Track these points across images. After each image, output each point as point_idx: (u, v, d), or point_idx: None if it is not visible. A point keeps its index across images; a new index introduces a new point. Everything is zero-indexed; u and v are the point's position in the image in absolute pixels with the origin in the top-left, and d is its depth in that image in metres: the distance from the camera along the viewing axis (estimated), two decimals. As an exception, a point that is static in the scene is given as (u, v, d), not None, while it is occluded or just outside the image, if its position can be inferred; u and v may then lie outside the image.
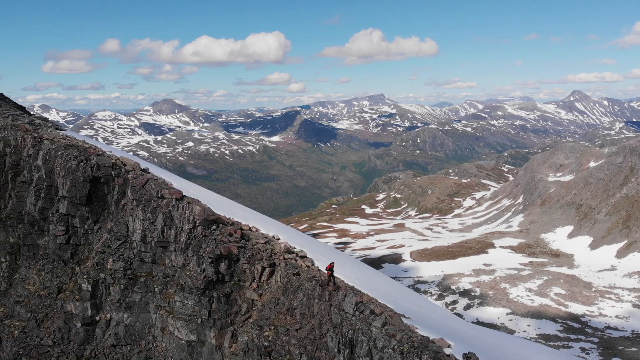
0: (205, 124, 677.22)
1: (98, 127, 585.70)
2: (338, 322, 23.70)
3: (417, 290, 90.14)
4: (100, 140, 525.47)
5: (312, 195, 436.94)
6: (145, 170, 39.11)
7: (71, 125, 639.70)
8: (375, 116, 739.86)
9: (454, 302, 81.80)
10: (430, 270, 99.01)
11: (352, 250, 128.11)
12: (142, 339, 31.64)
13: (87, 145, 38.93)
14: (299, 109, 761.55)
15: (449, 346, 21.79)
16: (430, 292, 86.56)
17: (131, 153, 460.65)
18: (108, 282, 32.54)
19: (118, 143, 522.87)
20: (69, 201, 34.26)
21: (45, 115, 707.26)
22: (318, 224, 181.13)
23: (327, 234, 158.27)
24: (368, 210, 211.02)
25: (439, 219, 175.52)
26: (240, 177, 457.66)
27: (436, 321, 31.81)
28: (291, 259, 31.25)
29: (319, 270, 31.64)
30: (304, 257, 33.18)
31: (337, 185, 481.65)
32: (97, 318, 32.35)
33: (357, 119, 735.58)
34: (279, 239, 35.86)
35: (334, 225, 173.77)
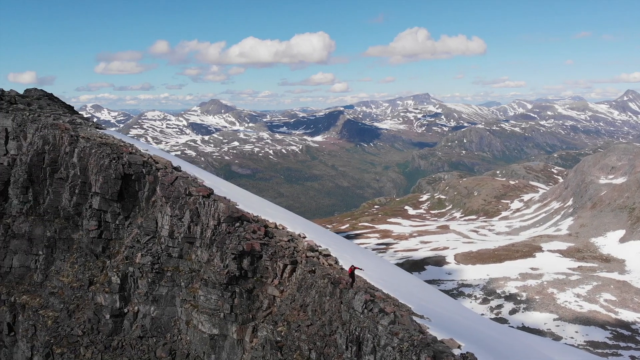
0: (250, 124, 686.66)
1: (147, 126, 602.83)
2: (347, 320, 23.90)
3: (461, 293, 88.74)
4: (150, 139, 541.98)
5: (355, 195, 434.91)
6: (177, 169, 40.31)
7: (122, 125, 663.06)
8: (419, 116, 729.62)
9: (499, 306, 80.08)
10: (475, 273, 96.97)
11: (394, 251, 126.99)
12: (168, 332, 32.44)
13: (120, 144, 40.30)
14: (342, 108, 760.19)
15: (459, 347, 21.51)
16: (475, 296, 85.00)
17: (179, 152, 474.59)
18: (136, 275, 33.47)
19: (167, 142, 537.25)
20: (101, 197, 35.65)
21: (97, 114, 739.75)
22: (360, 224, 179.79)
23: (368, 235, 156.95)
24: (411, 211, 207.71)
25: (485, 221, 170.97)
26: (284, 177, 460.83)
27: (458, 323, 31.33)
28: (313, 257, 31.42)
29: (342, 269, 31.64)
30: (327, 255, 33.41)
31: (379, 186, 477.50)
32: (125, 310, 33.36)
33: (401, 119, 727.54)
34: (304, 237, 36.05)
35: (376, 226, 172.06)
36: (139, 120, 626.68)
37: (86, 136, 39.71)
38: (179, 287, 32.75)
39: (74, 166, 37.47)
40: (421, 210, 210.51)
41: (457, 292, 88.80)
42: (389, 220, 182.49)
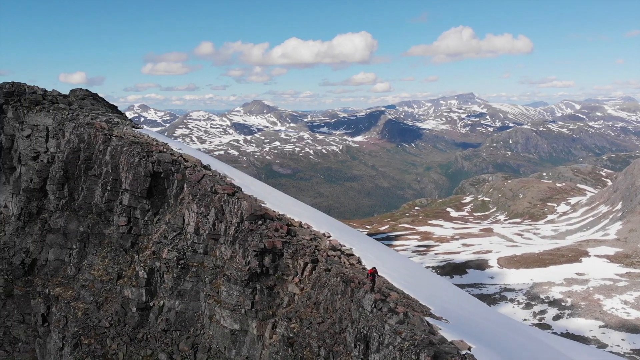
0: (292, 124, 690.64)
1: (192, 126, 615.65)
2: (356, 318, 23.92)
3: (503, 298, 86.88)
4: (195, 139, 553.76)
5: (395, 196, 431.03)
6: (206, 167, 41.06)
7: (168, 125, 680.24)
8: (463, 116, 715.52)
9: (543, 312, 78.44)
10: (518, 277, 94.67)
11: (435, 253, 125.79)
12: (192, 326, 33.02)
13: (150, 143, 41.27)
14: (383, 108, 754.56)
15: (469, 349, 21.18)
16: (517, 301, 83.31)
17: (222, 152, 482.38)
18: (163, 270, 34.17)
19: (210, 142, 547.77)
20: (130, 194, 36.62)
21: (144, 114, 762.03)
22: (400, 225, 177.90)
23: (408, 236, 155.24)
24: (453, 213, 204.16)
25: (530, 225, 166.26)
26: (324, 177, 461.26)
27: (480, 326, 30.81)
28: (334, 256, 31.44)
29: (364, 268, 31.49)
30: (350, 255, 33.50)
31: (420, 187, 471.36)
32: (151, 304, 34.16)
33: (444, 119, 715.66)
34: (329, 237, 36.14)
35: (417, 228, 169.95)
36: (185, 120, 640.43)
37: (119, 135, 40.87)
38: (203, 283, 33.28)
39: (106, 164, 38.63)
40: (464, 213, 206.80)
41: (499, 297, 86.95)
42: (430, 222, 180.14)
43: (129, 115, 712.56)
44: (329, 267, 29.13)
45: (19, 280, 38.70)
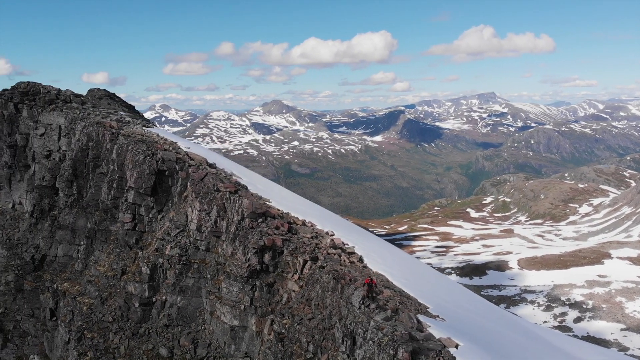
0: (310, 124, 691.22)
1: (212, 126, 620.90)
2: (345, 314, 24.10)
3: (523, 300, 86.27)
4: (215, 138, 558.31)
5: (414, 196, 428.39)
6: (212, 165, 41.53)
7: (188, 124, 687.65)
8: (484, 115, 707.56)
9: (563, 314, 77.69)
10: (539, 279, 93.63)
11: (454, 254, 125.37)
12: (193, 322, 33.42)
13: (156, 141, 41.86)
14: (402, 108, 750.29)
15: (455, 346, 21.17)
16: (538, 303, 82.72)
17: (242, 151, 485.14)
18: (165, 266, 34.59)
19: (230, 142, 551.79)
20: (135, 191, 37.29)
21: (165, 114, 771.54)
22: (419, 225, 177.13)
23: (427, 237, 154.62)
24: (473, 214, 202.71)
25: (551, 226, 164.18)
26: (342, 176, 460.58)
27: (478, 325, 30.65)
28: (334, 254, 31.54)
29: (365, 267, 31.90)
30: (351, 253, 33.59)
31: (440, 187, 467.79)
32: (154, 299, 34.61)
33: (464, 118, 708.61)
34: (332, 235, 36.29)
35: (436, 228, 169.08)
36: (205, 120, 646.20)
37: (127, 133, 41.59)
38: (205, 279, 33.66)
39: (113, 162, 39.33)
40: (484, 213, 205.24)
41: (519, 298, 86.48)
42: (449, 222, 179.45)
43: (151, 115, 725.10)
44: (324, 264, 29.34)
45: (28, 276, 39.57)
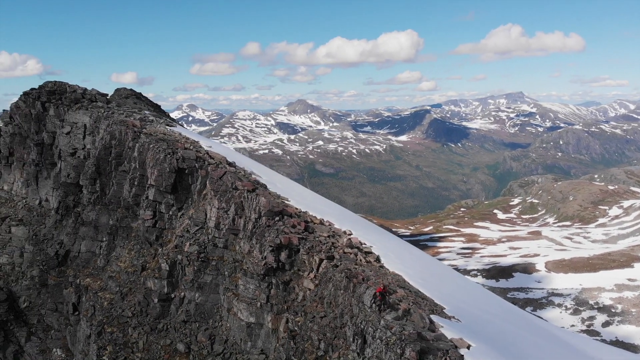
0: (335, 124, 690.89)
1: (238, 125, 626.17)
2: (356, 313, 24.03)
3: (551, 303, 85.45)
4: (240, 138, 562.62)
5: (440, 197, 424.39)
6: (232, 164, 41.92)
7: (215, 124, 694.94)
8: (512, 115, 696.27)
9: (591, 318, 76.70)
10: (567, 282, 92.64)
11: (481, 256, 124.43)
12: (210, 318, 33.75)
13: (177, 140, 42.42)
14: (428, 107, 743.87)
15: (467, 347, 20.95)
16: (565, 306, 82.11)
17: (267, 150, 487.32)
18: (184, 263, 34.99)
19: (255, 141, 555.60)
20: (156, 189, 37.90)
21: (192, 114, 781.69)
22: (444, 227, 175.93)
23: (453, 238, 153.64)
24: (500, 215, 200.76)
25: (580, 228, 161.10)
26: (366, 176, 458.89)
27: (495, 327, 30.27)
28: (350, 254, 31.51)
29: (381, 267, 31.91)
30: (368, 252, 33.55)
31: (467, 188, 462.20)
32: (172, 295, 35.07)
33: (492, 118, 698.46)
34: (350, 234, 36.30)
35: (462, 230, 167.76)
36: (231, 120, 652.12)
37: (149, 132, 42.32)
38: (223, 276, 33.98)
39: (134, 160, 40.02)
40: (511, 215, 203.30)
41: (546, 302, 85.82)
42: (475, 224, 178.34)
43: (178, 114, 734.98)
44: (338, 263, 29.42)
45: (52, 271, 40.46)
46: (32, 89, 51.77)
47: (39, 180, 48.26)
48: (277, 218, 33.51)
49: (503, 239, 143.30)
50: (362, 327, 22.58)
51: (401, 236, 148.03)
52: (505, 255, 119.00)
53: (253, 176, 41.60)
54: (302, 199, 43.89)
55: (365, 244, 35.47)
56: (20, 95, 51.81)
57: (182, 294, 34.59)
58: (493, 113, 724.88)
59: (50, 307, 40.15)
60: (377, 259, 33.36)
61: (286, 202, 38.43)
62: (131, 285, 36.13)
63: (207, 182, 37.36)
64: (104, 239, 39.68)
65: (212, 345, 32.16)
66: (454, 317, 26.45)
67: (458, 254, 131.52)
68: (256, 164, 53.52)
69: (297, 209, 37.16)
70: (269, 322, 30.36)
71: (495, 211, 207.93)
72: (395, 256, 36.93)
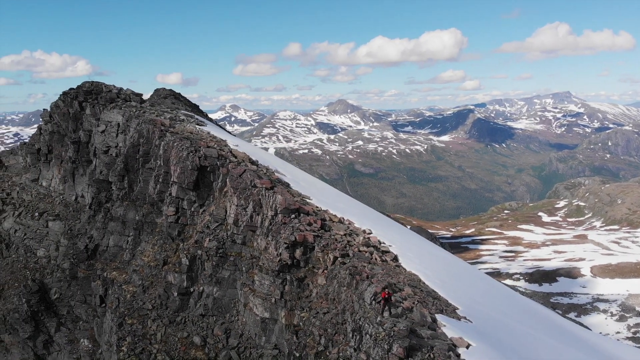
0: (375, 124, 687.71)
1: (279, 125, 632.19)
2: (356, 310, 24.10)
3: (595, 308, 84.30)
4: (281, 137, 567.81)
5: (483, 198, 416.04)
6: (254, 162, 42.57)
7: (256, 124, 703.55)
8: (559, 115, 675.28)
9: (638, 325, 75.72)
10: (613, 288, 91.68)
11: (524, 260, 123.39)
12: (227, 312, 34.40)
13: (200, 139, 43.23)
14: (472, 107, 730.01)
15: (467, 346, 20.79)
16: (610, 312, 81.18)
17: (306, 150, 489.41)
18: (203, 258, 35.76)
19: (295, 141, 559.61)
20: (178, 186, 38.81)
21: (235, 114, 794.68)
22: (487, 229, 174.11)
23: (495, 241, 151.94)
24: (545, 218, 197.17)
25: (628, 232, 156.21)
26: (406, 177, 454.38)
27: (509, 328, 29.69)
28: (365, 252, 31.48)
29: (398, 266, 31.69)
30: (386, 252, 33.51)
31: (511, 189, 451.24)
32: (192, 289, 35.87)
33: (537, 118, 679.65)
34: (369, 233, 36.37)
35: (505, 232, 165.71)
36: (272, 120, 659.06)
37: (175, 131, 43.31)
38: (240, 272, 34.54)
39: (160, 157, 41.04)
40: (557, 218, 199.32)
41: (590, 307, 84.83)
42: (519, 226, 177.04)
43: (221, 114, 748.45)
44: (346, 260, 29.48)
45: (82, 264, 42.07)
46: (70, 89, 53.79)
47: (75, 177, 50.15)
48: (293, 216, 33.79)
49: (547, 243, 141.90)
50: (360, 323, 22.66)
51: (441, 238, 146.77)
52: (549, 259, 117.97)
53: (276, 174, 42.09)
54: (324, 197, 44.15)
55: (384, 243, 35.63)
56: (60, 95, 53.91)
57: (201, 288, 35.34)
58: (539, 113, 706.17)
59: (80, 298, 41.75)
60: (395, 259, 33.24)
61: (307, 200, 38.82)
62: (153, 278, 37.11)
63: (227, 180, 37.95)
64: (131, 233, 40.88)
65: (227, 339, 32.73)
66: (465, 317, 26.10)
67: (500, 257, 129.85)
68: (282, 163, 54.09)
69: (316, 207, 37.45)
70: (283, 317, 30.68)
71: (540, 214, 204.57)
72: (415, 256, 36.76)
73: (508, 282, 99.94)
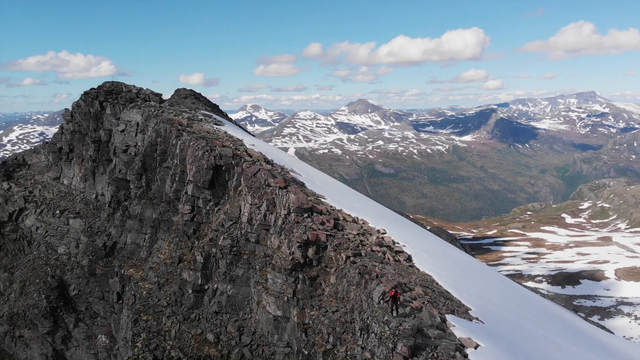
0: (396, 123, 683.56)
1: (299, 125, 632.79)
2: (365, 309, 24.15)
3: (619, 312, 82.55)
4: (301, 137, 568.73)
5: (505, 199, 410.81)
6: (270, 162, 42.76)
7: (277, 124, 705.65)
8: (583, 115, 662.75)
9: None
10: (637, 291, 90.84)
11: (546, 262, 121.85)
12: (241, 310, 34.72)
13: (219, 138, 43.82)
14: (494, 107, 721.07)
15: (475, 347, 20.64)
16: (635, 316, 79.65)
17: (326, 150, 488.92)
18: (218, 256, 36.13)
19: (315, 141, 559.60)
20: (194, 184, 39.24)
21: (256, 114, 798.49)
22: (509, 230, 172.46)
23: (518, 242, 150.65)
24: (569, 220, 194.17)
25: None
26: (427, 177, 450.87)
27: (521, 330, 29.42)
28: (378, 252, 31.43)
29: (411, 266, 31.51)
30: (399, 252, 33.34)
31: (534, 190, 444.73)
32: (206, 287, 36.27)
33: (561, 118, 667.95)
34: (383, 233, 36.39)
35: (527, 234, 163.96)
36: (292, 120, 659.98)
37: (192, 130, 43.79)
38: (254, 270, 34.82)
39: (176, 156, 41.56)
40: (580, 219, 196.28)
41: (614, 310, 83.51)
42: (542, 228, 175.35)
43: (242, 114, 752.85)
44: (356, 260, 29.46)
45: (100, 261, 42.83)
46: (91, 89, 54.65)
47: (95, 176, 50.99)
48: (306, 215, 33.96)
49: (571, 245, 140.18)
50: (368, 322, 22.65)
51: (463, 239, 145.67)
52: (572, 261, 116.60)
53: (291, 174, 42.33)
54: (339, 197, 44.17)
55: (398, 243, 35.50)
56: (81, 95, 54.80)
57: (215, 285, 35.72)
58: (563, 113, 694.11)
59: (98, 295, 42.54)
60: (408, 259, 33.16)
61: (321, 199, 38.94)
62: (168, 276, 37.60)
63: (242, 179, 38.30)
64: (148, 231, 41.47)
65: (240, 337, 32.99)
66: (477, 318, 25.91)
67: (523, 258, 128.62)
68: (298, 163, 54.21)
69: (330, 206, 37.56)
70: (295, 316, 30.82)
71: (564, 215, 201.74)
72: (429, 256, 36.64)
73: (530, 284, 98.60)
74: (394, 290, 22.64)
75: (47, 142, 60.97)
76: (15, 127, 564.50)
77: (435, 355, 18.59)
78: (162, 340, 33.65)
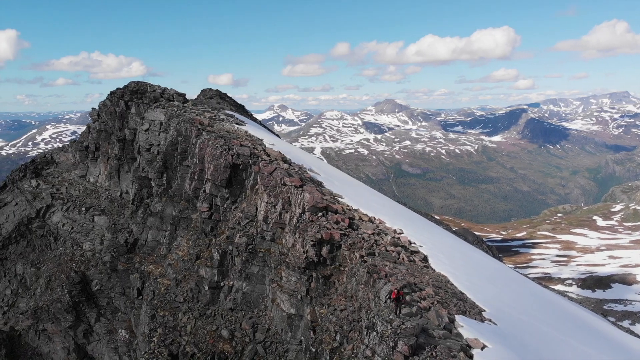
0: (423, 123, 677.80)
1: (326, 125, 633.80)
2: (372, 308, 24.21)
3: None
4: (327, 137, 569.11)
5: (535, 201, 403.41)
6: (287, 161, 43.25)
7: (303, 124, 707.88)
8: (616, 116, 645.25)
9: None
10: None
11: (577, 265, 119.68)
12: (256, 307, 35.11)
13: (238, 137, 44.41)
14: (525, 107, 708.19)
15: (482, 348, 20.48)
16: None
17: (352, 150, 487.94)
18: (234, 254, 36.60)
19: (342, 141, 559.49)
20: (212, 183, 39.82)
21: (283, 114, 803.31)
22: (539, 232, 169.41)
23: (547, 245, 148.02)
24: (600, 222, 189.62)
25: None
26: (456, 178, 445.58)
27: (536, 333, 28.77)
28: (392, 252, 31.30)
29: (425, 267, 31.33)
30: (414, 252, 33.29)
31: (565, 192, 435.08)
32: (222, 284, 36.79)
33: (594, 119, 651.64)
34: (400, 233, 36.35)
35: (557, 236, 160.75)
36: (319, 120, 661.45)
37: (211, 129, 44.37)
38: (269, 268, 35.16)
39: (196, 155, 42.24)
40: (612, 222, 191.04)
41: None
42: (573, 230, 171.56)
43: (269, 114, 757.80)
44: (367, 259, 29.45)
45: (122, 257, 43.74)
46: (117, 89, 55.85)
47: (120, 174, 52.11)
48: (320, 214, 34.08)
49: (602, 247, 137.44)
50: (374, 321, 22.64)
51: (491, 241, 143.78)
52: (603, 265, 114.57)
53: (309, 173, 42.53)
54: (357, 196, 44.06)
55: (414, 243, 35.36)
56: (107, 94, 56.06)
57: (231, 283, 36.19)
58: (595, 113, 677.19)
59: (119, 290, 43.51)
60: (424, 259, 33.04)
61: (338, 199, 38.99)
62: (186, 272, 38.23)
63: (258, 178, 38.70)
64: (168, 228, 42.27)
65: (254, 334, 33.35)
66: (490, 320, 25.63)
67: (552, 261, 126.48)
68: (318, 162, 54.30)
69: (346, 205, 37.55)
70: (308, 314, 30.93)
71: (595, 218, 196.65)
72: (446, 257, 36.38)
73: (559, 287, 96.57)
74: (396, 290, 22.64)
75: (74, 141, 62.60)
76: (48, 126, 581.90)
77: (434, 354, 18.54)
78: (177, 336, 34.20)
